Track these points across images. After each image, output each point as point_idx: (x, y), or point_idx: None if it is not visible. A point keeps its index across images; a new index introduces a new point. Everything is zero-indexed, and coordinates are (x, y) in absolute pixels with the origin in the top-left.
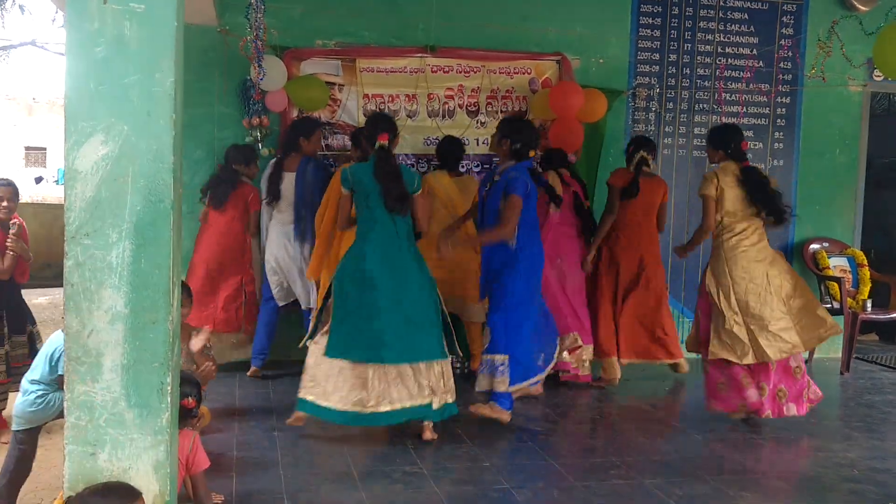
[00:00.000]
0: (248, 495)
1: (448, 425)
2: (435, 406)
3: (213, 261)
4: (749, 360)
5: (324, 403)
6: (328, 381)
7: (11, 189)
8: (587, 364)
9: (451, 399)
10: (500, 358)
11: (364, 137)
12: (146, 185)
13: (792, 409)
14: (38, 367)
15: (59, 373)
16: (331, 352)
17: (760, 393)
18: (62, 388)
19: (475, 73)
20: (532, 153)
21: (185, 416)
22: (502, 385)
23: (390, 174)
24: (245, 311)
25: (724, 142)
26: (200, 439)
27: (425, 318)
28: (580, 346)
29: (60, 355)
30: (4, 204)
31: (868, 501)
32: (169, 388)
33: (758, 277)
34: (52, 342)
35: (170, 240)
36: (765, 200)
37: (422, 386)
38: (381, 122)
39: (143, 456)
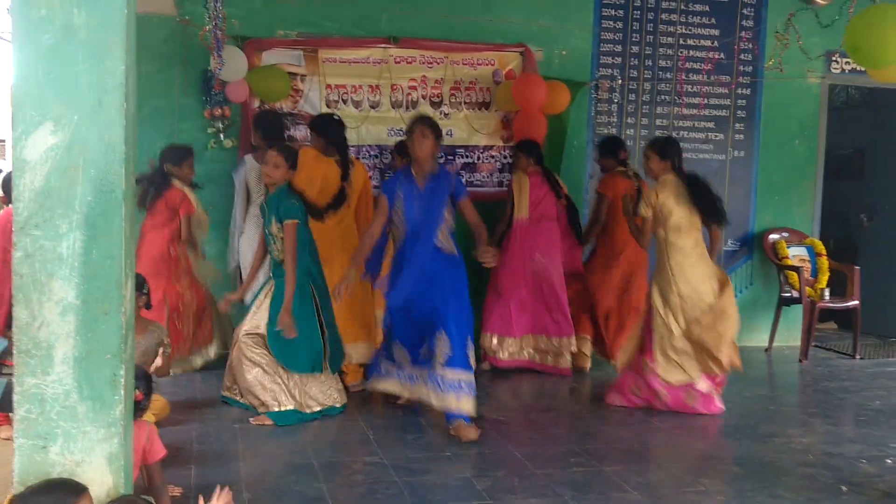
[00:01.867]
0: (206, 487)
1: (409, 416)
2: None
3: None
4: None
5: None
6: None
7: None
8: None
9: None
10: (466, 377)
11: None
12: (97, 175)
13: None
14: None
15: None
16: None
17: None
18: None
19: (438, 64)
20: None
21: (134, 409)
22: (468, 405)
23: None
24: (171, 326)
25: (672, 154)
26: (158, 431)
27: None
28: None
29: None
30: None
31: (820, 485)
32: (122, 379)
33: (705, 294)
34: None
35: (122, 230)
36: (707, 206)
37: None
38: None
39: (97, 449)
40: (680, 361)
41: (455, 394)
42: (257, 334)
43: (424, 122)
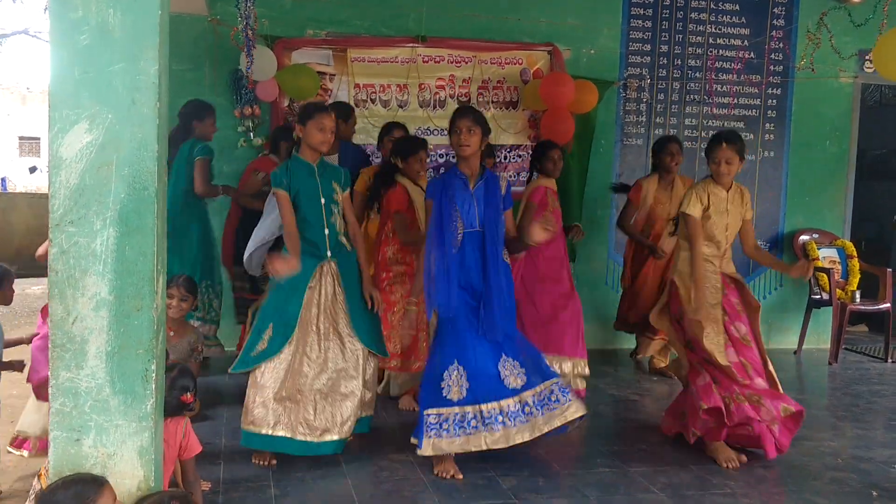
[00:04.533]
0: (235, 482)
1: None
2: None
3: None
4: None
5: None
6: None
7: None
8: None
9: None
10: (555, 383)
11: None
12: (130, 172)
13: None
14: None
15: None
16: None
17: None
18: None
19: (466, 63)
20: None
21: (182, 410)
22: (577, 409)
23: None
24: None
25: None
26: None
27: None
28: None
29: None
30: None
31: (850, 490)
32: (153, 374)
33: None
34: None
35: (154, 227)
36: None
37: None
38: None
39: (128, 442)
40: None
41: (551, 409)
42: None
43: (469, 115)
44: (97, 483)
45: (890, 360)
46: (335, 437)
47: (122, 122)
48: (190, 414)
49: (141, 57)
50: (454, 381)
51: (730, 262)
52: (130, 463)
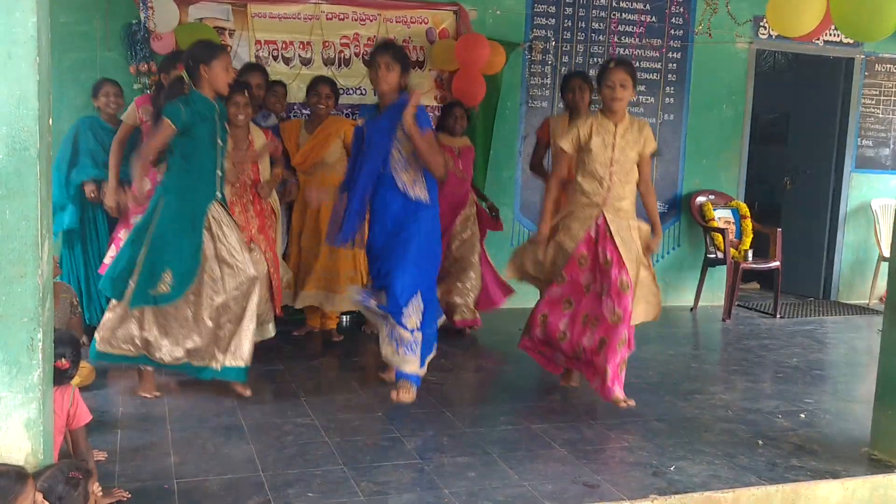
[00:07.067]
0: (133, 450)
1: (341, 376)
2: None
3: None
4: None
5: None
6: None
7: None
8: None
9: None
10: (411, 335)
11: None
12: (9, 132)
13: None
14: None
15: None
16: None
17: None
18: None
19: (371, 21)
20: None
21: (61, 378)
22: (412, 365)
23: None
24: None
25: None
26: (82, 394)
27: None
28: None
29: None
30: None
31: (738, 440)
32: (40, 343)
33: None
34: None
35: (37, 190)
36: None
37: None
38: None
39: (13, 414)
40: None
41: (402, 350)
42: None
43: (389, 50)
44: (20, 478)
45: (778, 316)
46: (234, 364)
47: None
48: (70, 381)
49: (16, 8)
50: (414, 310)
51: (625, 207)
52: (16, 436)
